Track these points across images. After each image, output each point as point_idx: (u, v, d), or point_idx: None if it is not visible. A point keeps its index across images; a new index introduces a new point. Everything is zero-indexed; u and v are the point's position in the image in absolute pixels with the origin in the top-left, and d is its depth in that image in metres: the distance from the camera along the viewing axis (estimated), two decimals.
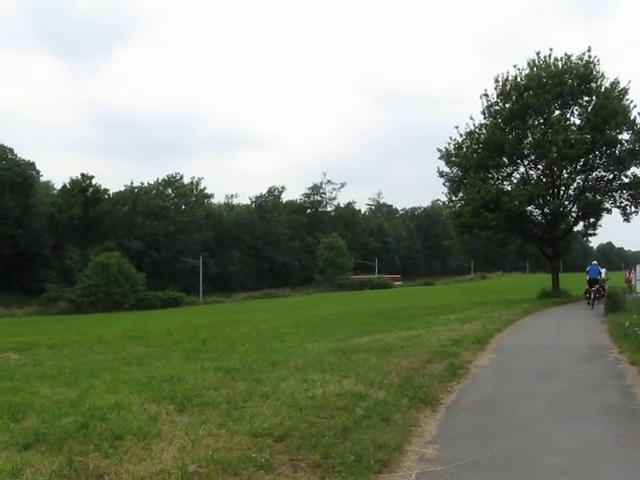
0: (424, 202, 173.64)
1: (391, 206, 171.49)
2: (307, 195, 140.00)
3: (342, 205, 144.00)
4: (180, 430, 6.81)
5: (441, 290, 79.75)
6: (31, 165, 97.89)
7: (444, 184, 40.37)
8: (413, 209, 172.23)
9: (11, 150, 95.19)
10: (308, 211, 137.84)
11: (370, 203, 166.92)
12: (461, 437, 7.20)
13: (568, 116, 37.73)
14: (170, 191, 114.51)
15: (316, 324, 25.53)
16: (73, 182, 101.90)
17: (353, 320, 27.15)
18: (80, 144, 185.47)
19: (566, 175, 38.86)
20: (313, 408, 7.83)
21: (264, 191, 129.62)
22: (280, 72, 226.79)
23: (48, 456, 5.84)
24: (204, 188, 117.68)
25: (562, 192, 39.12)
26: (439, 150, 39.49)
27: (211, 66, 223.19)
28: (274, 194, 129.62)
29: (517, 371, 11.84)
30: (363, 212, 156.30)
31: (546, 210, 39.16)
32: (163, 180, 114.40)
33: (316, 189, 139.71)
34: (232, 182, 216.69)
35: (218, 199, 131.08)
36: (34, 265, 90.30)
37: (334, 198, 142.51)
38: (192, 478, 5.20)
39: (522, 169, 39.56)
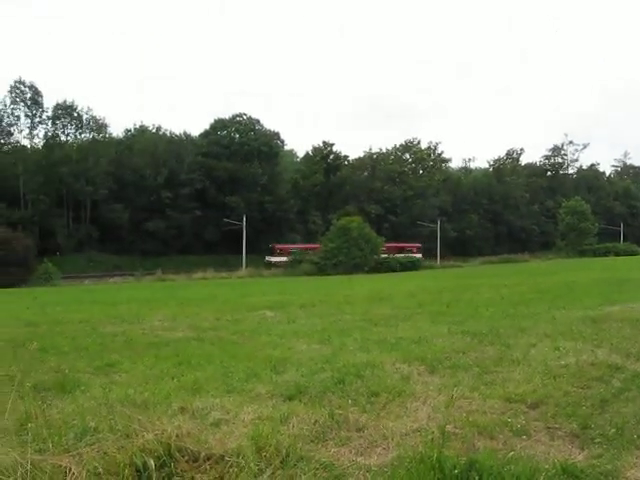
0: None
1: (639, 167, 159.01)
2: (547, 157, 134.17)
3: (585, 167, 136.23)
4: (433, 390, 6.98)
5: None
6: (276, 135, 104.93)
7: None
8: None
9: (258, 121, 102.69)
10: (548, 174, 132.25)
11: (616, 165, 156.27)
12: None
13: None
14: (408, 156, 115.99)
15: (561, 290, 24.49)
16: (315, 150, 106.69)
17: (600, 288, 25.61)
18: (319, 113, 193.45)
19: None
20: (567, 377, 7.68)
21: (502, 154, 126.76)
22: (512, 24, 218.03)
23: (310, 407, 6.30)
24: (441, 152, 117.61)
25: None
26: None
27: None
28: (512, 157, 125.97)
29: None
30: (608, 174, 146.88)
31: None
32: (401, 145, 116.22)
33: (557, 150, 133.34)
34: (470, 146, 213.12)
35: (456, 163, 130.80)
36: (280, 229, 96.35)
37: (576, 160, 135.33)
38: (449, 438, 5.28)
39: None
